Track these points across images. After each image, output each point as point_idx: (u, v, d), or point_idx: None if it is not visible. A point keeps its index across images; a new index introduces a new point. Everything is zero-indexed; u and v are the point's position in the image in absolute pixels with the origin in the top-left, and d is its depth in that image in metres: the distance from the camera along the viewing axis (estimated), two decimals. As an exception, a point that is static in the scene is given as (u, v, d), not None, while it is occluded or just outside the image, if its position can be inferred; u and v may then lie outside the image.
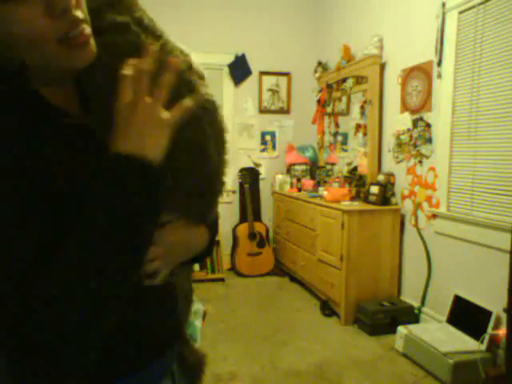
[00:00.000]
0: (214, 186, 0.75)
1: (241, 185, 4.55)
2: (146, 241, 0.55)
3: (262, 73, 4.71)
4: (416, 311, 3.09)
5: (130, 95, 0.55)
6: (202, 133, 0.68)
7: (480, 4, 2.55)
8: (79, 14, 0.54)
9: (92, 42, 0.56)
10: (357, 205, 3.34)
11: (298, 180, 4.51)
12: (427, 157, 3.03)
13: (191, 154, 0.67)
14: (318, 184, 4.29)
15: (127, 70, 0.55)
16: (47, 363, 0.50)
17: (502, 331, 2.33)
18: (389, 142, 3.47)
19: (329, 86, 4.31)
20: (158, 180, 0.55)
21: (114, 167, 0.53)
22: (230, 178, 4.56)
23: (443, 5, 2.83)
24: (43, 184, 0.53)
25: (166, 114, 0.56)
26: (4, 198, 0.50)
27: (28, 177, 0.51)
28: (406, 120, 3.23)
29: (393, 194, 3.34)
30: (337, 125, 4.26)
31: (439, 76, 2.90)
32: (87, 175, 0.54)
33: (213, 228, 0.80)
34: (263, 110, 4.76)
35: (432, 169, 2.98)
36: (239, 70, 4.62)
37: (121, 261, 0.52)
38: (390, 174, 3.40)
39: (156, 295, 0.71)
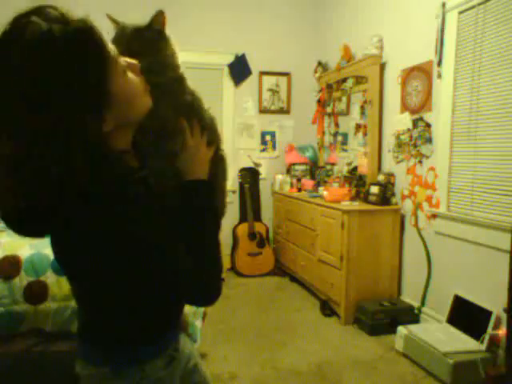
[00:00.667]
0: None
1: (241, 185, 4.55)
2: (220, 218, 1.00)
3: (262, 73, 4.71)
4: (416, 311, 3.09)
5: (193, 141, 0.92)
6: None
7: (480, 4, 2.55)
8: None
9: None
10: (357, 205, 3.34)
11: (298, 180, 4.50)
12: (427, 157, 3.03)
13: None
14: (318, 184, 4.28)
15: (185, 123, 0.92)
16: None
17: (502, 331, 2.33)
18: (389, 142, 3.47)
19: (329, 86, 4.31)
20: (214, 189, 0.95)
21: (197, 188, 0.90)
22: (230, 178, 4.56)
23: (443, 5, 2.83)
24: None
25: (209, 151, 0.96)
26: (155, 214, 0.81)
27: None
28: (406, 120, 3.23)
29: (393, 194, 3.34)
30: (337, 125, 4.26)
31: (439, 76, 2.90)
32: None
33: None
34: (263, 110, 4.76)
35: (432, 169, 2.98)
36: (239, 70, 4.62)
37: (215, 229, 0.92)
38: (390, 174, 3.40)
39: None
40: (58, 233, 0.80)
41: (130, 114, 0.80)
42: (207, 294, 0.86)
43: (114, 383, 0.85)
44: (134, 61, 0.81)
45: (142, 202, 0.79)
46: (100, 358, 0.87)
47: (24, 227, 0.76)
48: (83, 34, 0.70)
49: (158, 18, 0.91)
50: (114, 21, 0.94)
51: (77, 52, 0.69)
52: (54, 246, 0.84)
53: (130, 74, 0.79)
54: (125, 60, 0.79)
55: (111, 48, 0.75)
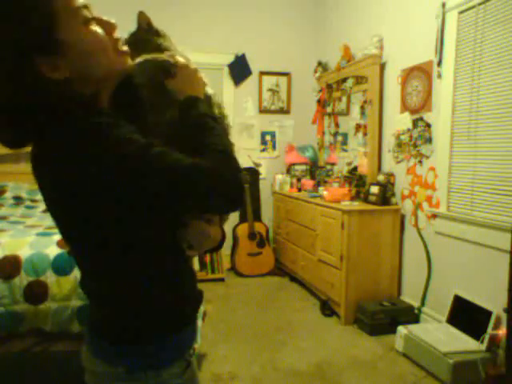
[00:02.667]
0: None
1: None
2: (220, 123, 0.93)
3: (262, 73, 4.71)
4: (416, 311, 3.09)
5: (191, 67, 0.92)
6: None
7: (480, 4, 2.55)
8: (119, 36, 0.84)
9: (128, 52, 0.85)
10: (357, 205, 3.34)
11: (298, 180, 4.50)
12: (427, 157, 3.03)
13: None
14: (318, 184, 4.28)
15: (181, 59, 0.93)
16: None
17: (502, 331, 2.33)
18: (389, 142, 3.47)
19: (329, 86, 4.30)
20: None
21: (194, 102, 0.88)
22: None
23: (443, 5, 2.83)
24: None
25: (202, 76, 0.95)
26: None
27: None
28: (406, 120, 3.23)
29: (393, 194, 3.34)
30: (337, 125, 4.26)
31: (439, 76, 2.90)
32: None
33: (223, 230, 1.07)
34: (263, 110, 4.76)
35: (432, 169, 2.98)
36: (239, 70, 4.62)
37: (214, 129, 0.86)
38: (390, 174, 3.40)
39: (190, 265, 0.99)
40: (55, 201, 0.82)
41: (91, 67, 0.78)
42: (229, 194, 0.78)
43: None
44: (111, 20, 0.82)
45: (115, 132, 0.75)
46: (115, 356, 0.84)
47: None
48: None
49: (142, 18, 0.96)
50: (147, 22, 0.97)
51: None
52: (59, 222, 0.85)
53: (96, 28, 0.78)
54: (94, 15, 0.79)
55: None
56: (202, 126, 0.85)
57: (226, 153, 0.82)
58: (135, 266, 0.83)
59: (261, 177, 4.72)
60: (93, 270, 0.86)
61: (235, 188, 0.79)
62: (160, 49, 0.95)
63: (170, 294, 0.88)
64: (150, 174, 0.73)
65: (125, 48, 0.83)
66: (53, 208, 0.84)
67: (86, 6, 0.77)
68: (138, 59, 0.90)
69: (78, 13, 0.76)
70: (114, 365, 0.84)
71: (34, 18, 0.71)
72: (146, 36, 0.95)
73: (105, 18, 0.81)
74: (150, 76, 0.91)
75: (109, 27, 0.81)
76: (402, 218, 3.30)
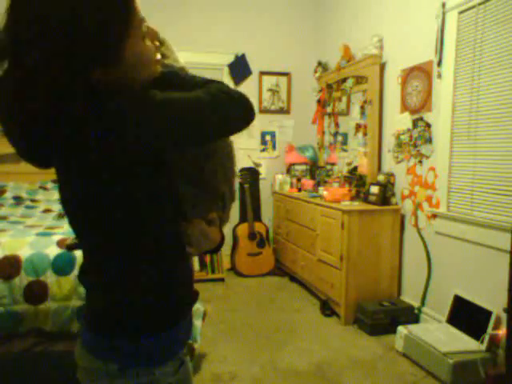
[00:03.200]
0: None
1: (241, 185, 4.55)
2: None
3: (262, 73, 4.71)
4: (416, 311, 3.09)
5: None
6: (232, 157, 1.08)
7: (480, 4, 2.55)
8: None
9: None
10: (357, 205, 3.34)
11: (298, 180, 4.50)
12: (427, 157, 3.03)
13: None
14: (318, 184, 4.29)
15: None
16: None
17: (502, 331, 2.33)
18: (389, 141, 3.47)
19: (329, 86, 4.30)
20: None
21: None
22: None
23: (443, 5, 2.83)
24: None
25: None
26: None
27: None
28: (406, 120, 3.23)
29: (393, 194, 3.34)
30: (337, 125, 4.26)
31: (439, 76, 2.90)
32: None
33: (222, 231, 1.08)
34: (263, 110, 4.76)
35: (432, 169, 2.98)
36: (239, 70, 4.62)
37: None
38: (390, 174, 3.40)
39: (189, 263, 0.99)
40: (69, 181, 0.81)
41: (137, 76, 0.81)
42: (244, 108, 0.91)
43: (119, 382, 0.83)
44: (155, 28, 0.86)
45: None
46: (108, 351, 0.84)
47: (37, 159, 0.82)
48: None
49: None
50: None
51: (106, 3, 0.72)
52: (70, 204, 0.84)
53: (148, 42, 0.82)
54: (146, 26, 0.82)
55: (139, 10, 0.78)
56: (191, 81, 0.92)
57: (224, 84, 0.90)
58: (135, 260, 0.84)
59: (261, 177, 4.72)
60: (94, 262, 0.87)
61: (247, 104, 0.91)
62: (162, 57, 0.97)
63: (167, 290, 0.88)
64: (200, 109, 0.81)
65: (158, 56, 0.88)
66: (74, 194, 0.82)
67: (144, 20, 0.80)
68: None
69: (141, 28, 0.79)
70: (106, 361, 0.83)
71: (109, 33, 0.73)
72: None
73: (149, 25, 0.84)
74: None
75: (152, 35, 0.85)
76: (402, 218, 3.30)
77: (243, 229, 4.45)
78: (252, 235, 4.45)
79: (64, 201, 0.85)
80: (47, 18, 0.69)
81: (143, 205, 0.81)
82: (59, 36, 0.69)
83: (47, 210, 3.38)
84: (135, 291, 0.84)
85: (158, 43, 0.88)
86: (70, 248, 2.18)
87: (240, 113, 0.90)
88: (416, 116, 3.13)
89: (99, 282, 0.87)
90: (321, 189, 3.94)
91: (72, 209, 0.85)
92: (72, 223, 0.87)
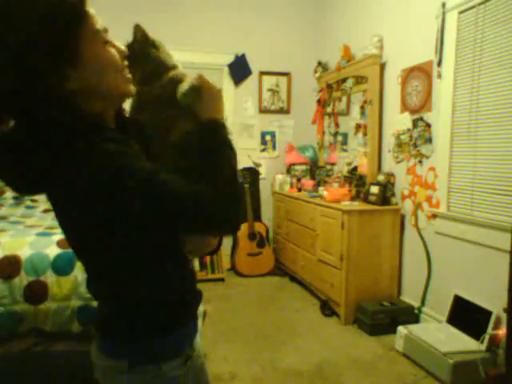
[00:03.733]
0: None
1: (241, 185, 4.54)
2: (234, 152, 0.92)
3: (262, 73, 4.71)
4: (416, 311, 3.09)
5: (216, 88, 0.96)
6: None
7: (480, 4, 2.55)
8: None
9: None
10: (357, 205, 3.34)
11: (298, 180, 4.50)
12: (427, 157, 3.03)
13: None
14: (318, 184, 4.29)
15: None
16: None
17: (502, 331, 2.33)
18: (389, 142, 3.47)
19: (329, 86, 4.30)
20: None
21: (215, 126, 0.92)
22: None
23: (443, 5, 2.83)
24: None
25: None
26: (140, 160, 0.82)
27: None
28: (406, 120, 3.23)
29: (393, 194, 3.34)
30: (337, 125, 4.26)
31: (439, 76, 2.90)
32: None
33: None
34: (263, 110, 4.76)
35: (432, 169, 2.98)
36: (239, 70, 4.62)
37: (229, 158, 0.90)
38: (390, 174, 3.40)
39: (191, 267, 1.02)
40: (59, 209, 0.86)
41: (100, 84, 0.82)
42: (226, 224, 0.86)
43: (129, 377, 0.88)
44: (122, 47, 0.87)
45: (118, 159, 0.78)
46: (118, 352, 0.89)
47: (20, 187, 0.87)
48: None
49: (137, 30, 0.98)
50: (141, 33, 0.98)
51: (55, 7, 0.75)
52: (62, 226, 0.88)
53: (112, 50, 0.84)
54: (112, 42, 0.84)
55: (97, 21, 0.81)
56: (219, 152, 0.89)
57: (232, 184, 0.86)
58: (136, 268, 0.87)
59: (261, 177, 4.72)
60: (96, 273, 0.91)
61: (233, 219, 0.86)
62: (157, 62, 0.98)
63: (170, 294, 0.92)
64: (153, 201, 0.78)
65: (129, 76, 0.88)
66: (62, 221, 0.88)
67: (106, 30, 0.83)
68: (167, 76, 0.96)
69: (100, 32, 0.81)
70: (117, 359, 0.89)
71: (61, 19, 0.75)
72: (144, 49, 0.97)
73: (117, 43, 0.86)
74: (164, 89, 0.96)
75: (120, 53, 0.86)
76: (402, 218, 3.30)
77: (243, 229, 4.45)
78: (252, 235, 4.45)
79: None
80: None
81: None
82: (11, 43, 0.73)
83: (47, 210, 3.38)
84: (138, 301, 0.88)
85: (126, 63, 0.88)
86: None
87: (218, 230, 0.92)
88: (416, 116, 3.13)
89: (102, 294, 0.92)
90: (321, 189, 3.94)
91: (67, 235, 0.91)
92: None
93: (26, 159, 0.79)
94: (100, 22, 0.82)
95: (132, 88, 0.89)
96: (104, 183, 0.76)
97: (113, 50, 0.84)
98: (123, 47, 0.87)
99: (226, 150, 0.90)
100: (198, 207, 0.80)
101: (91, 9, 0.81)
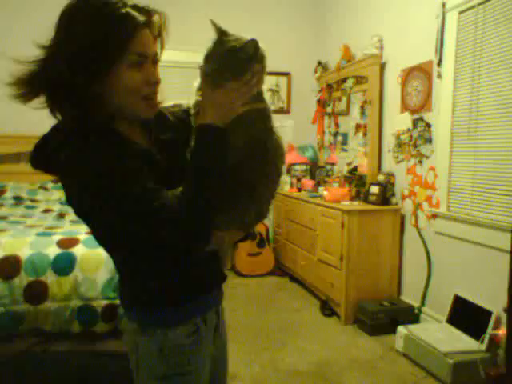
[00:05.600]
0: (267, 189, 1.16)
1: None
2: (225, 164, 0.92)
3: (262, 73, 4.70)
4: (416, 311, 3.09)
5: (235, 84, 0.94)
6: (265, 133, 1.06)
7: (480, 4, 2.55)
8: (158, 89, 0.94)
9: (158, 106, 0.96)
10: (357, 205, 3.34)
11: (298, 180, 4.50)
12: (427, 157, 3.03)
13: (255, 149, 1.01)
14: (318, 184, 4.28)
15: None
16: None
17: (502, 331, 2.33)
18: (389, 142, 3.47)
19: (329, 86, 4.30)
20: (225, 133, 0.92)
21: (208, 130, 0.90)
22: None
23: (443, 5, 2.83)
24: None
25: (240, 107, 0.96)
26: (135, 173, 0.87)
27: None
28: (406, 120, 3.23)
29: (393, 194, 3.34)
30: (337, 125, 4.26)
31: (439, 76, 2.90)
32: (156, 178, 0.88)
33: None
34: (263, 110, 4.75)
35: (432, 169, 2.98)
36: (239, 70, 4.61)
37: (216, 171, 0.90)
38: (390, 174, 3.40)
39: (209, 252, 1.03)
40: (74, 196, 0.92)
41: (117, 102, 0.90)
42: (192, 245, 0.93)
43: (141, 338, 0.98)
44: (158, 75, 0.93)
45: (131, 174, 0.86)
46: (132, 316, 1.00)
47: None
48: (118, 16, 0.85)
49: (251, 45, 1.00)
50: (218, 29, 0.97)
51: (102, 26, 0.84)
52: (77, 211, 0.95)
53: (136, 74, 0.89)
54: (146, 66, 0.90)
55: (145, 42, 0.89)
56: (202, 163, 0.90)
57: (205, 208, 0.89)
58: (148, 251, 0.95)
59: (261, 177, 4.71)
60: (112, 254, 1.01)
61: (200, 241, 0.92)
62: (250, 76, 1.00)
63: (179, 271, 0.98)
64: (122, 216, 0.86)
65: (154, 104, 0.94)
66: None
67: (150, 55, 0.90)
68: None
69: (137, 58, 0.88)
70: (132, 323, 1.00)
71: (111, 45, 0.84)
72: (243, 56, 0.98)
73: (156, 71, 0.92)
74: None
75: (150, 77, 0.91)
76: (402, 218, 3.30)
77: (243, 229, 4.45)
78: (252, 235, 4.45)
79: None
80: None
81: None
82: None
83: (47, 210, 3.38)
84: (150, 276, 0.97)
85: (156, 89, 0.94)
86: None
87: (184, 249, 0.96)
88: (416, 116, 3.13)
89: (119, 269, 1.03)
90: (321, 189, 3.94)
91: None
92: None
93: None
94: (147, 43, 0.89)
95: (153, 113, 0.94)
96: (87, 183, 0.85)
97: (137, 75, 0.88)
98: (157, 75, 0.92)
99: (213, 169, 0.91)
100: (169, 232, 0.87)
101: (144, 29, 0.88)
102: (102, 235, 0.97)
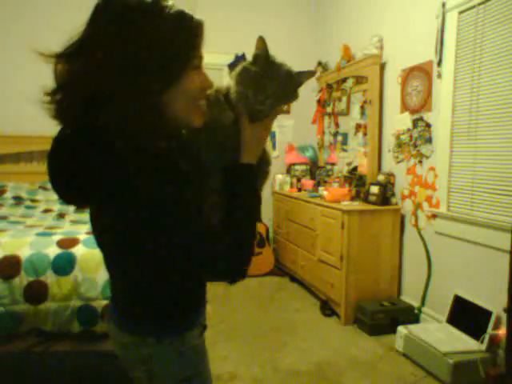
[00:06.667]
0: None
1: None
2: (260, 201, 0.94)
3: (262, 73, 4.70)
4: (416, 311, 3.09)
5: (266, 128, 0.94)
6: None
7: (480, 4, 2.55)
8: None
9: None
10: (357, 205, 3.34)
11: (298, 180, 4.50)
12: (427, 157, 3.03)
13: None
14: (318, 184, 4.28)
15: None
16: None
17: (502, 331, 2.33)
18: (389, 142, 3.47)
19: (329, 86, 4.30)
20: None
21: (252, 170, 0.92)
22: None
23: (443, 5, 2.83)
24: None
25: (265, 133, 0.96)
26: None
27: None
28: (406, 120, 3.23)
29: (393, 194, 3.34)
30: (337, 125, 4.26)
31: (439, 76, 2.90)
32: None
33: None
34: (263, 110, 4.75)
35: (432, 169, 2.98)
36: (239, 70, 4.61)
37: (254, 211, 0.91)
38: (390, 174, 3.40)
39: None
40: (97, 206, 0.85)
41: (170, 107, 0.82)
42: (234, 272, 0.88)
43: (156, 348, 0.93)
44: (210, 80, 0.87)
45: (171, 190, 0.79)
46: (146, 330, 0.93)
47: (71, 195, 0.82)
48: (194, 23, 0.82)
49: (306, 75, 0.98)
50: (264, 46, 0.94)
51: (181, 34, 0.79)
52: (94, 222, 0.90)
53: (196, 78, 0.83)
54: (201, 70, 0.85)
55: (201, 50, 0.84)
56: (246, 205, 0.89)
57: (246, 245, 0.87)
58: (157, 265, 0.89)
59: (261, 177, 4.72)
60: (131, 270, 0.93)
61: (238, 276, 0.88)
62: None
63: (191, 281, 0.97)
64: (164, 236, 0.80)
65: (203, 110, 0.87)
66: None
67: (201, 57, 0.84)
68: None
69: (196, 61, 0.83)
70: (144, 336, 0.93)
71: (180, 55, 0.79)
72: (296, 84, 0.95)
73: (206, 74, 0.86)
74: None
75: (205, 83, 0.85)
76: (402, 218, 3.30)
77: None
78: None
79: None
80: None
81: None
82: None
83: (47, 210, 3.38)
84: (162, 286, 0.92)
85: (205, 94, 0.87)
86: None
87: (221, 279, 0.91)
88: (416, 116, 3.13)
89: (129, 283, 0.95)
90: (321, 189, 3.94)
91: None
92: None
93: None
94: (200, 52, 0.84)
95: (200, 122, 0.86)
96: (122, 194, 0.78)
97: (198, 79, 0.83)
98: (210, 80, 0.85)
99: (252, 205, 0.90)
100: (206, 259, 0.82)
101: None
102: (128, 251, 0.87)
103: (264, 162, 1.01)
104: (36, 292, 2.10)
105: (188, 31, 0.79)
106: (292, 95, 0.93)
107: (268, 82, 0.87)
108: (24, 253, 2.17)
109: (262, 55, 0.92)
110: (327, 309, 3.38)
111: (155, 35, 0.75)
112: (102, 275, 2.17)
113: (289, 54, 5.27)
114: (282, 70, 0.90)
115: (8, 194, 3.63)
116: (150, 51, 0.75)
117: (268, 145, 1.03)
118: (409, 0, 3.23)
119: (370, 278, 3.22)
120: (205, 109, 0.87)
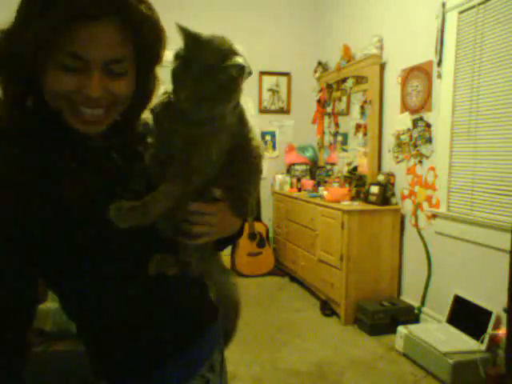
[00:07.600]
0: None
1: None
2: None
3: (262, 73, 4.70)
4: (416, 311, 3.09)
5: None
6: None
7: (480, 4, 2.55)
8: (99, 102, 0.70)
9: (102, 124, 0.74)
10: (357, 205, 3.34)
11: (298, 180, 4.50)
12: (427, 157, 3.03)
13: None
14: (318, 184, 4.28)
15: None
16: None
17: (502, 331, 2.33)
18: (389, 142, 3.47)
19: (329, 86, 4.30)
20: None
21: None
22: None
23: (443, 5, 2.83)
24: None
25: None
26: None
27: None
28: (406, 120, 3.23)
29: (393, 194, 3.34)
30: (337, 125, 4.26)
31: (439, 76, 2.90)
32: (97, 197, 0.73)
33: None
34: (263, 110, 4.76)
35: (432, 169, 2.98)
36: (239, 70, 4.61)
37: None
38: (390, 174, 3.40)
39: (189, 285, 0.90)
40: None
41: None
42: None
43: None
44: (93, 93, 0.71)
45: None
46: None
47: None
48: None
49: (235, 69, 0.78)
50: (186, 33, 0.78)
51: None
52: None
53: (64, 77, 0.68)
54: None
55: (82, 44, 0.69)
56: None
57: None
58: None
59: (261, 177, 4.72)
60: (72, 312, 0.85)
61: None
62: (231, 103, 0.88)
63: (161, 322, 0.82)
64: None
65: (87, 118, 0.71)
66: None
67: (76, 55, 0.66)
68: None
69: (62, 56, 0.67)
70: None
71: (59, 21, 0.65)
72: (225, 78, 0.79)
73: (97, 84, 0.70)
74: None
75: (91, 93, 0.69)
76: (402, 218, 3.30)
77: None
78: (252, 235, 4.45)
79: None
80: None
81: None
82: None
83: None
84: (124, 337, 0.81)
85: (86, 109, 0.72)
86: None
87: None
88: (416, 116, 3.13)
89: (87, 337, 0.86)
90: (321, 189, 3.94)
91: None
92: None
93: None
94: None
95: (84, 129, 0.72)
96: None
97: (63, 78, 0.67)
98: (96, 88, 0.68)
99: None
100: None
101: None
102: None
103: (252, 163, 0.91)
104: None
105: (41, 24, 0.64)
106: (220, 91, 0.76)
107: (185, 78, 0.74)
108: (24, 253, 2.17)
109: (180, 48, 0.78)
110: (327, 309, 3.38)
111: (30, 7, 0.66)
112: (102, 275, 2.16)
113: (289, 54, 5.29)
114: (200, 61, 0.75)
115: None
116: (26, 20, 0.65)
117: (260, 141, 0.93)
118: (409, 0, 3.23)
119: (370, 277, 3.22)
120: (101, 118, 0.72)
